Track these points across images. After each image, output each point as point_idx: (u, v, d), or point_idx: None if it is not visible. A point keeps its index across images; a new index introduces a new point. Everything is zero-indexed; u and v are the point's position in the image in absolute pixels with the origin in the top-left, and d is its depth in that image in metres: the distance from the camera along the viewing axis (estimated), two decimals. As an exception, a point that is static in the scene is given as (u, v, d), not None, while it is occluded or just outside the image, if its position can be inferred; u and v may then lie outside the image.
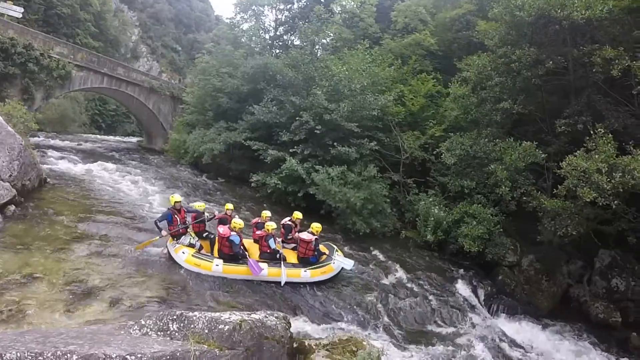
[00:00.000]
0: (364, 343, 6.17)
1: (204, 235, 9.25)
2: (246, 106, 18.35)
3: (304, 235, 9.25)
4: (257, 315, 4.80)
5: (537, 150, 11.14)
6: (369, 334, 8.10)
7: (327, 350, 5.77)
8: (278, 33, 23.84)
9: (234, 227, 8.63)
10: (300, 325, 7.61)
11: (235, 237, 8.45)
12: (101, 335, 3.91)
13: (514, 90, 12.39)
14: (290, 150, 14.94)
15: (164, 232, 8.46)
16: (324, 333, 7.20)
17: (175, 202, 8.69)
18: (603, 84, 11.07)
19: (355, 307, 8.86)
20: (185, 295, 7.39)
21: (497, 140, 12.21)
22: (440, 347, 8.14)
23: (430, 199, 12.76)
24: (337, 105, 14.80)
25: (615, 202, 8.90)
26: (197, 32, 62.98)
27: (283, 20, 25.76)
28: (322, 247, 9.85)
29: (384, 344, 7.65)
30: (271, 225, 8.94)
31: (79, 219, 9.54)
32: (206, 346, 3.95)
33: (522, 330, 9.92)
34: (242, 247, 8.64)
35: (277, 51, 22.27)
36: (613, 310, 10.79)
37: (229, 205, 9.95)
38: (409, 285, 10.37)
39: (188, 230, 8.86)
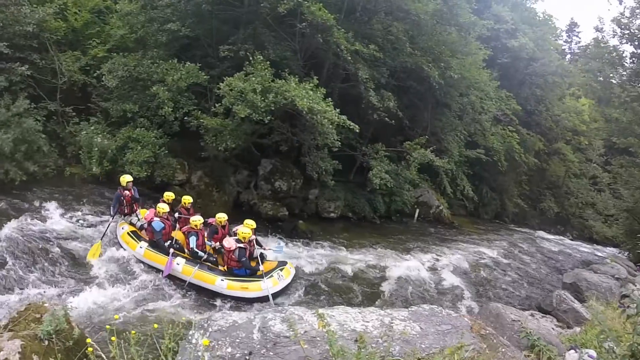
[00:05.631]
0: (45, 306, 5.49)
1: None
2: None
3: (226, 242, 8.05)
4: None
5: (200, 72, 11.45)
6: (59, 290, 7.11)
7: (10, 330, 4.71)
8: None
9: (159, 212, 8.33)
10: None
11: (157, 224, 8.15)
12: None
13: (185, 13, 12.26)
14: None
15: (116, 218, 8.84)
16: (2, 313, 6.02)
17: (127, 182, 8.93)
18: (272, 20, 12.19)
19: (31, 266, 7.63)
20: None
21: (161, 61, 12.01)
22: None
23: (92, 127, 11.41)
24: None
25: (269, 118, 10.27)
26: None
27: None
28: (268, 264, 8.51)
29: (69, 297, 6.76)
30: (197, 221, 8.21)
31: None
32: None
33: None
34: (171, 239, 8.28)
35: None
36: (280, 206, 12.87)
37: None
38: (75, 229, 9.26)
39: (136, 211, 9.14)
